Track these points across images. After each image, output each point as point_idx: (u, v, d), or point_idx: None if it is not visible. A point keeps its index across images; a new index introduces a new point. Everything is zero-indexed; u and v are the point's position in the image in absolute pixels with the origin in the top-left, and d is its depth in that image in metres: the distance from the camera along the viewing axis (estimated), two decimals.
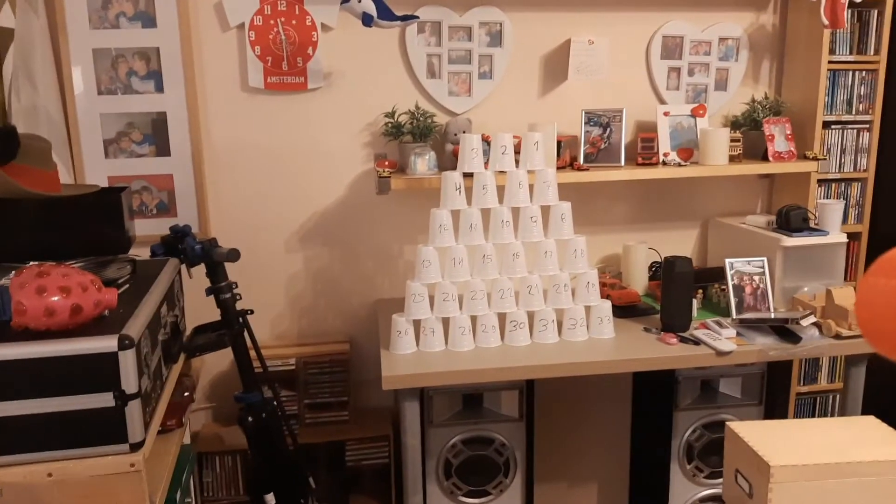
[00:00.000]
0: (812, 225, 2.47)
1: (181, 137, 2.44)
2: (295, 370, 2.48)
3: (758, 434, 1.36)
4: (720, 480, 2.49)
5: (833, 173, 2.73)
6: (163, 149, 2.44)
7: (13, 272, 1.46)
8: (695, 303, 2.32)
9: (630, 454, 2.91)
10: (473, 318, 2.18)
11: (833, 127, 2.70)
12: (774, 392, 2.53)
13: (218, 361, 2.62)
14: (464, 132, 2.47)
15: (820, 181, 2.72)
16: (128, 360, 1.39)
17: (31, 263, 1.49)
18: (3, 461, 1.37)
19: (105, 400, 1.40)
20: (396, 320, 2.14)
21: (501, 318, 2.20)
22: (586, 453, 2.95)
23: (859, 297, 0.81)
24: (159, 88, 2.40)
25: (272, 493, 1.97)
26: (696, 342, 2.14)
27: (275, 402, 2.01)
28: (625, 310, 2.40)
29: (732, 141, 2.56)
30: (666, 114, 2.58)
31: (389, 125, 2.48)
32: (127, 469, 1.41)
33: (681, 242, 2.84)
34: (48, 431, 1.38)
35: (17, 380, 1.36)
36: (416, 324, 2.16)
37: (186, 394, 2.07)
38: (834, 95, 2.67)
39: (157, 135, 2.43)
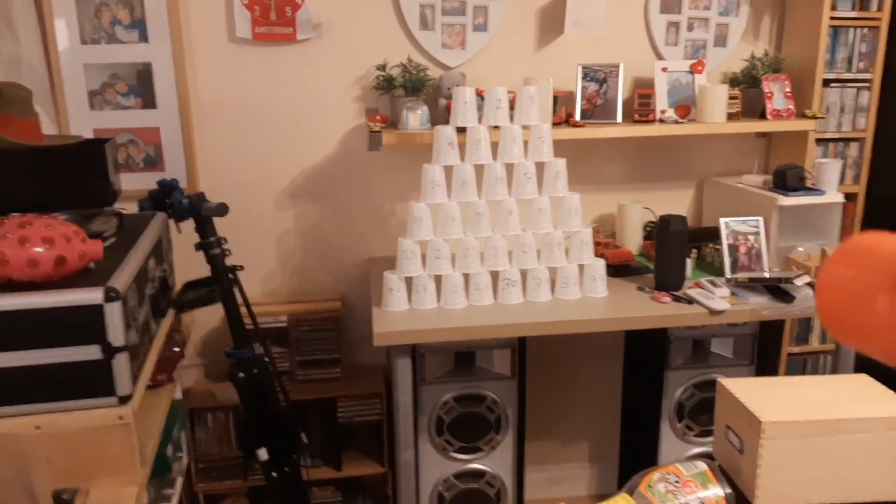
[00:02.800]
0: (809, 184, 2.45)
1: (167, 89, 2.38)
2: (287, 327, 2.46)
3: (749, 390, 1.35)
4: (710, 439, 2.51)
5: (831, 132, 2.70)
6: (149, 101, 2.38)
7: None
8: (689, 262, 2.31)
9: (621, 413, 2.93)
10: (466, 276, 2.16)
11: (833, 85, 2.66)
12: (766, 352, 2.53)
13: (209, 318, 2.60)
14: (457, 86, 2.42)
15: (818, 140, 2.68)
16: (114, 313, 1.37)
17: (14, 214, 1.46)
18: None
19: (92, 352, 1.38)
20: (388, 277, 2.12)
21: (494, 275, 2.18)
22: (577, 411, 2.97)
23: (819, 283, 0.82)
24: (144, 38, 2.33)
25: (264, 448, 1.97)
26: (690, 301, 2.14)
27: (266, 359, 1.99)
28: (618, 269, 2.39)
29: (731, 98, 2.52)
30: (664, 70, 2.54)
31: (381, 78, 2.42)
32: (115, 422, 1.40)
33: (676, 202, 2.82)
34: (35, 384, 1.37)
35: (1, 332, 1.33)
36: (409, 281, 2.14)
37: (177, 349, 2.06)
38: (835, 53, 2.62)
39: (142, 86, 2.37)
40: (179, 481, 2.15)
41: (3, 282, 1.38)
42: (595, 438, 3.01)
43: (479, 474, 2.37)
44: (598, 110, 2.47)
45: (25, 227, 1.39)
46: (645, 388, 2.60)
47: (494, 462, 2.37)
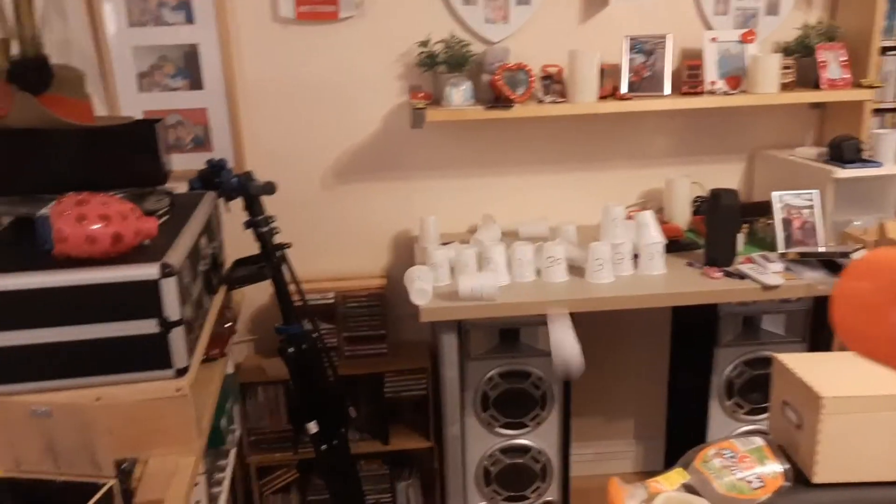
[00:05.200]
0: (865, 156, 2.37)
1: (213, 70, 2.40)
2: (334, 304, 2.49)
3: (807, 366, 1.32)
4: (760, 416, 2.47)
5: (889, 102, 2.60)
6: (196, 82, 2.41)
7: (53, 202, 1.46)
8: (740, 238, 2.26)
9: (668, 390, 2.90)
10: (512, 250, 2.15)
11: (890, 53, 2.56)
12: (819, 329, 2.47)
13: (258, 295, 2.65)
14: (501, 61, 2.39)
15: (875, 111, 2.59)
16: (170, 288, 1.40)
17: (71, 193, 1.49)
18: (53, 385, 1.40)
19: (149, 326, 1.41)
20: (433, 253, 2.12)
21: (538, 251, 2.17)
22: (623, 388, 2.95)
23: (834, 295, 0.87)
24: (190, 20, 2.36)
25: (314, 422, 2.00)
26: (742, 276, 2.09)
27: (314, 335, 2.02)
28: (667, 245, 2.35)
29: (783, 68, 2.44)
30: (713, 40, 2.46)
31: (424, 55, 2.41)
32: (173, 394, 1.44)
33: (725, 176, 2.75)
34: (95, 357, 1.41)
35: (62, 307, 1.37)
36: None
37: (228, 325, 2.09)
38: (892, 19, 2.52)
39: (189, 68, 2.40)
40: (233, 453, 2.20)
41: (63, 258, 1.42)
42: (641, 415, 2.99)
43: (524, 450, 2.37)
44: (645, 82, 2.42)
45: (83, 205, 1.42)
46: (693, 365, 2.56)
47: (540, 438, 2.37)
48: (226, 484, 2.01)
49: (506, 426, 2.35)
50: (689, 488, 1.17)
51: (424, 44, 2.43)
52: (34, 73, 1.65)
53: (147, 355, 1.42)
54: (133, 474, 1.40)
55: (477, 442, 2.35)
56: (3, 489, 1.21)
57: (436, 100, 2.46)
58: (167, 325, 1.41)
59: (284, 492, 2.60)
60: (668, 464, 3.00)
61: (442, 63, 2.40)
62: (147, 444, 1.46)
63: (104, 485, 1.17)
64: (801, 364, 1.33)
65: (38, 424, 1.26)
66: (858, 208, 2.35)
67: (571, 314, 2.22)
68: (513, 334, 2.35)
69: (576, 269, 2.20)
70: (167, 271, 1.40)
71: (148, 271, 1.39)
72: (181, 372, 1.44)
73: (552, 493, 2.43)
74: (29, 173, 1.72)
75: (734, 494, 1.14)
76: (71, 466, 1.27)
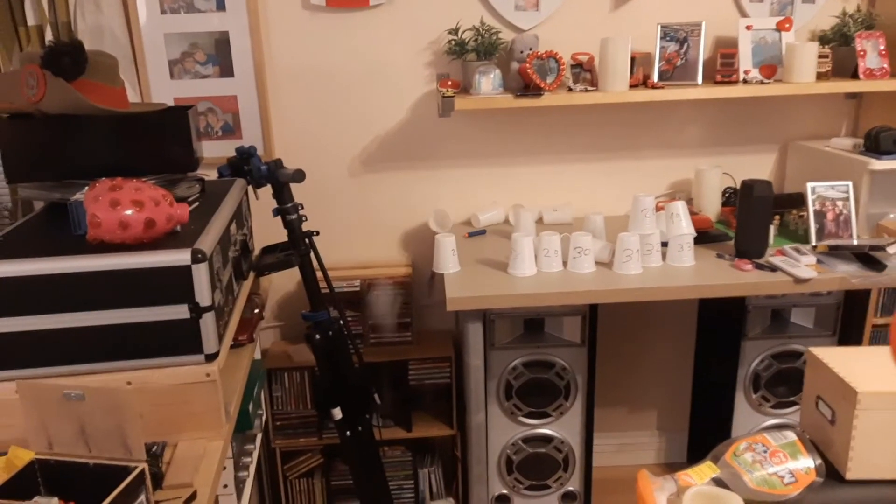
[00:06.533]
0: None
1: (244, 58, 2.41)
2: (359, 291, 2.50)
3: (842, 360, 1.30)
4: (787, 410, 2.44)
5: None
6: (226, 69, 2.42)
7: (87, 187, 1.48)
8: (772, 229, 2.22)
9: (692, 382, 2.88)
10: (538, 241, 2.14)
11: None
12: (850, 323, 2.43)
13: (285, 282, 2.67)
14: (531, 49, 2.37)
15: None
16: (201, 274, 1.41)
17: (103, 179, 1.51)
18: (85, 369, 1.43)
19: (180, 312, 1.43)
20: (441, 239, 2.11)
21: (564, 241, 2.15)
22: (647, 380, 2.93)
23: (893, 324, 0.82)
24: (221, 7, 2.37)
25: (339, 408, 2.01)
26: (773, 269, 2.06)
27: (340, 322, 2.03)
28: (697, 236, 2.32)
29: (820, 57, 2.38)
30: (748, 28, 2.42)
31: (453, 43, 2.39)
32: (202, 378, 1.45)
33: (757, 167, 2.71)
34: (126, 341, 1.43)
35: (95, 291, 1.39)
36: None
37: (256, 311, 2.11)
38: None
39: (220, 55, 2.41)
40: (259, 437, 2.23)
41: (96, 243, 1.44)
42: (665, 407, 2.97)
43: (547, 439, 2.37)
44: (677, 71, 2.38)
45: (116, 191, 1.44)
46: (719, 357, 2.54)
47: (563, 427, 2.36)
48: (252, 468, 2.03)
49: (529, 415, 2.35)
50: (719, 482, 1.16)
51: (454, 31, 2.41)
52: (68, 58, 1.66)
53: (178, 340, 1.44)
54: (162, 458, 1.42)
55: (500, 430, 2.36)
56: (35, 471, 1.23)
57: (464, 88, 2.45)
58: (198, 311, 1.43)
59: (308, 476, 2.62)
60: (692, 456, 2.99)
61: (471, 51, 2.39)
62: (176, 428, 1.48)
63: (135, 468, 1.19)
64: (836, 358, 1.31)
65: (71, 407, 1.28)
66: (894, 200, 2.30)
67: (596, 305, 2.20)
68: (537, 324, 2.34)
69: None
70: (198, 257, 1.41)
71: (180, 257, 1.40)
72: (211, 357, 1.46)
73: (574, 483, 2.43)
74: (63, 159, 1.75)
75: (766, 489, 1.13)
76: (102, 449, 1.29)
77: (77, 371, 1.43)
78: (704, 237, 2.32)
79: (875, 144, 2.28)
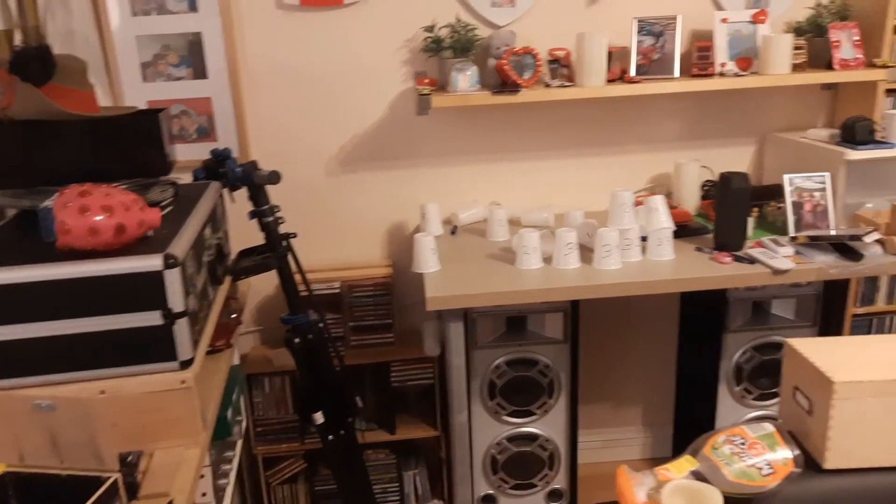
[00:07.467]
0: (878, 137, 2.33)
1: (217, 59, 2.39)
2: (339, 293, 2.48)
3: (819, 350, 1.30)
4: (769, 402, 2.45)
5: None
6: (200, 71, 2.40)
7: (56, 194, 1.45)
8: (750, 221, 2.23)
9: (676, 376, 2.88)
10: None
11: None
12: (830, 313, 2.44)
13: (264, 286, 2.64)
14: (508, 45, 2.36)
15: (888, 91, 2.54)
16: (174, 279, 1.39)
17: (73, 185, 1.48)
18: (57, 379, 1.40)
19: (153, 318, 1.40)
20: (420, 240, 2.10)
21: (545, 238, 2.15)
22: (631, 375, 2.93)
23: None
24: (193, 8, 2.34)
25: (320, 412, 1.99)
26: (752, 261, 2.06)
27: (320, 325, 2.01)
28: (676, 230, 2.32)
29: (796, 49, 2.39)
30: (724, 20, 2.42)
31: (429, 40, 2.38)
32: (177, 386, 1.43)
33: (735, 160, 2.71)
34: (99, 350, 1.40)
35: (65, 299, 1.37)
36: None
37: (234, 315, 2.09)
38: None
39: (193, 57, 2.38)
40: (239, 444, 2.20)
41: (66, 250, 1.41)
42: (649, 402, 2.97)
43: (531, 437, 2.36)
44: (654, 65, 2.38)
45: (85, 197, 1.41)
46: (702, 351, 2.54)
47: (547, 425, 2.36)
48: (232, 475, 2.01)
49: (513, 414, 2.34)
50: (698, 475, 1.15)
51: (430, 29, 2.40)
52: (37, 63, 1.64)
53: (151, 347, 1.42)
54: (138, 467, 1.40)
55: (484, 430, 2.35)
56: (6, 484, 1.21)
57: (441, 85, 2.44)
58: (171, 317, 1.41)
59: (292, 482, 2.60)
60: (677, 450, 2.99)
61: (447, 48, 2.37)
62: (152, 436, 1.46)
63: (108, 478, 1.17)
64: (813, 348, 1.30)
65: (42, 418, 1.25)
66: (871, 190, 2.31)
67: (577, 301, 2.20)
68: (520, 322, 2.34)
69: (584, 256, 2.17)
70: (170, 262, 1.39)
71: (151, 262, 1.38)
72: (186, 364, 1.44)
73: (560, 480, 2.43)
74: (32, 165, 1.72)
75: (744, 481, 1.12)
76: (75, 460, 1.27)
77: (49, 381, 1.41)
78: (684, 231, 2.32)
79: (851, 135, 2.30)
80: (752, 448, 1.14)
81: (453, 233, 2.46)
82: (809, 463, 1.20)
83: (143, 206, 1.48)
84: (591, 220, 2.17)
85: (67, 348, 1.39)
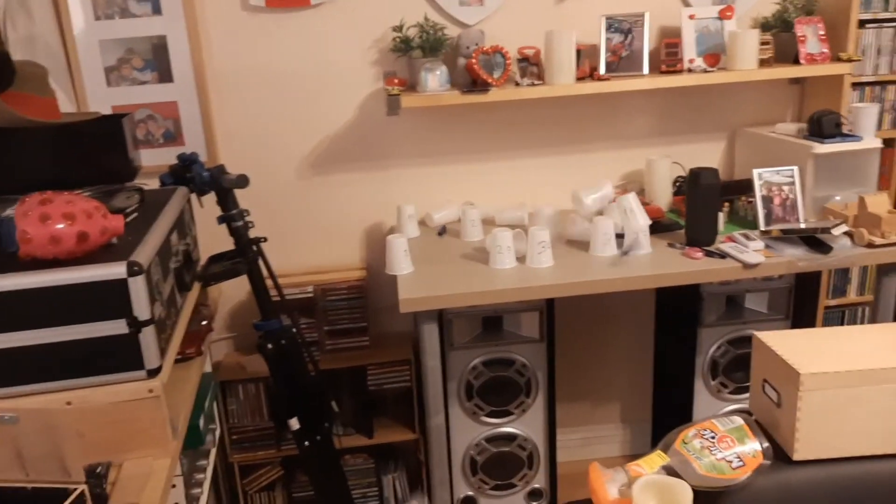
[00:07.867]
0: (845, 131, 2.36)
1: (183, 62, 2.35)
2: (313, 298, 2.46)
3: (786, 343, 1.31)
4: (745, 396, 2.47)
5: (868, 76, 2.59)
6: (165, 75, 2.36)
7: (17, 202, 1.42)
8: (721, 216, 2.24)
9: (653, 372, 2.89)
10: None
11: (868, 26, 2.54)
12: (802, 306, 2.47)
13: (236, 292, 2.61)
14: (477, 44, 2.36)
15: (854, 84, 2.58)
16: (138, 287, 1.37)
17: (34, 193, 1.45)
18: (20, 391, 1.37)
19: (118, 327, 1.38)
20: (392, 241, 2.09)
21: (518, 237, 2.14)
22: (608, 372, 2.94)
23: None
24: (157, 10, 2.31)
25: (295, 418, 1.97)
26: (723, 256, 2.08)
27: (294, 329, 1.99)
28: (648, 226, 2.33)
29: (762, 44, 2.42)
30: (691, 17, 2.44)
31: (398, 40, 2.37)
32: (145, 395, 1.41)
33: (706, 155, 2.73)
34: (64, 360, 1.37)
35: (28, 309, 1.34)
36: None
37: (205, 322, 2.06)
38: None
39: (158, 60, 2.35)
40: (213, 453, 2.17)
41: (28, 260, 1.38)
42: (627, 399, 2.99)
43: (510, 437, 2.36)
44: (623, 62, 2.39)
45: (46, 205, 1.39)
46: (678, 346, 2.56)
47: (525, 425, 2.36)
48: (206, 485, 1.98)
49: (491, 415, 2.34)
50: (669, 470, 1.15)
51: (398, 28, 2.39)
52: None
53: (117, 356, 1.39)
54: (107, 478, 1.37)
55: (462, 431, 2.34)
56: None
57: (411, 85, 2.42)
58: (137, 325, 1.38)
59: (269, 489, 2.58)
60: (656, 445, 3.00)
61: (416, 48, 2.36)
62: (121, 447, 1.43)
63: (75, 489, 1.14)
64: (780, 341, 1.31)
65: (5, 431, 1.23)
66: (838, 183, 2.34)
67: (552, 300, 2.20)
68: (496, 322, 2.33)
69: (557, 255, 2.17)
70: (135, 270, 1.36)
71: (115, 270, 1.36)
72: (153, 372, 1.41)
73: (539, 480, 2.43)
74: None
75: (715, 475, 1.13)
76: (41, 472, 1.24)
77: (14, 393, 1.37)
78: (657, 227, 2.33)
79: (818, 128, 2.32)
80: (721, 442, 1.15)
81: (441, 234, 2.44)
82: (779, 455, 1.21)
83: (105, 213, 1.45)
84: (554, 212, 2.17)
85: (31, 359, 1.36)
